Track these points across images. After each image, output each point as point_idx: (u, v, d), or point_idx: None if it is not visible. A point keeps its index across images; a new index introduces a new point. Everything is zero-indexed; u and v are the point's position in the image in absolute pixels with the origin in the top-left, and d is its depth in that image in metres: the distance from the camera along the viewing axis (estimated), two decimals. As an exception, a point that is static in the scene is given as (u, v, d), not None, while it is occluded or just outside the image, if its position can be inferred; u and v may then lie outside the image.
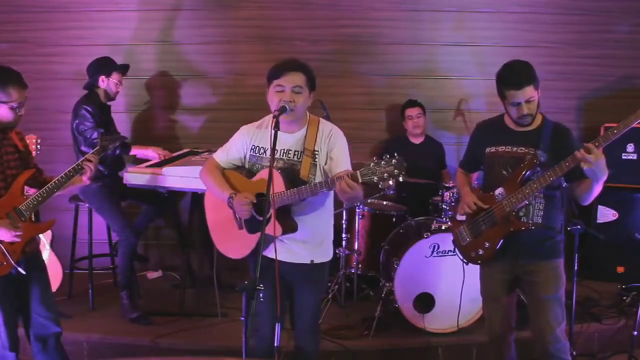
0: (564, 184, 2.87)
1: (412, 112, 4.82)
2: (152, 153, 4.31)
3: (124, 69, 4.25)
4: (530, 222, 2.84)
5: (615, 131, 2.58)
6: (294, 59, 2.69)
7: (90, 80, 4.12)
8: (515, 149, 2.87)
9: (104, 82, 4.11)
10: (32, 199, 2.83)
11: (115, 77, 4.15)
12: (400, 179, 2.32)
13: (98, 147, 3.08)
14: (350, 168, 2.62)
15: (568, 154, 2.67)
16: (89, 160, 2.94)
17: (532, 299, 2.92)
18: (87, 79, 4.15)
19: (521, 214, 2.84)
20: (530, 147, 2.82)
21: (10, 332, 2.78)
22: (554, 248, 2.89)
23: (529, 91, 2.75)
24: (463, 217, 3.04)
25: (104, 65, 4.14)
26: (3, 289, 2.76)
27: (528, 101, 2.76)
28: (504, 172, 2.87)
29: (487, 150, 2.96)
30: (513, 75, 2.77)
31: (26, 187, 2.92)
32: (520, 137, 2.87)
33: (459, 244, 3.10)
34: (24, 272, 2.79)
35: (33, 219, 2.93)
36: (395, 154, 2.35)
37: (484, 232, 2.93)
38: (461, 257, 3.11)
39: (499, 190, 2.86)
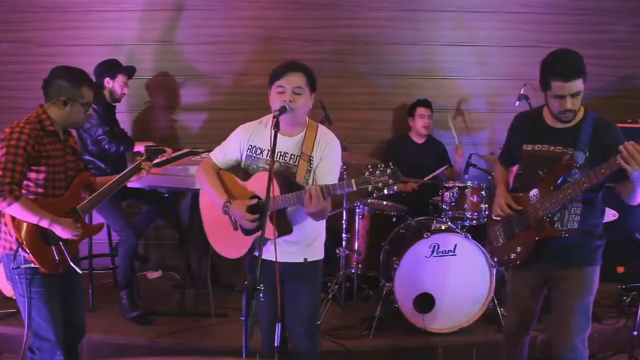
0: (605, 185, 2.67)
1: (424, 111, 4.82)
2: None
3: (129, 71, 4.28)
4: (564, 229, 2.67)
5: None
6: (294, 60, 2.70)
7: (96, 81, 4.14)
8: (552, 147, 2.69)
9: (109, 84, 4.16)
10: (89, 201, 2.88)
11: (120, 79, 4.19)
12: (395, 188, 2.33)
13: (144, 156, 3.19)
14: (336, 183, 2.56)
15: (609, 151, 2.45)
16: (142, 168, 3.09)
17: (556, 304, 2.78)
18: None
19: (555, 218, 2.68)
20: (569, 146, 2.64)
21: (58, 331, 2.78)
22: (588, 255, 2.71)
23: (578, 85, 2.55)
24: (499, 217, 2.90)
25: (109, 67, 4.18)
26: (51, 288, 2.76)
27: (573, 95, 2.57)
28: (540, 173, 2.71)
29: (524, 147, 2.80)
30: (563, 65, 2.55)
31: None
32: (559, 134, 2.68)
33: (491, 245, 2.97)
34: (79, 271, 2.83)
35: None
36: (391, 164, 2.36)
37: (517, 235, 2.80)
38: (492, 260, 3.03)
39: (533, 192, 2.72)
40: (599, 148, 2.59)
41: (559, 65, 2.57)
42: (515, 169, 3.00)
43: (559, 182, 2.63)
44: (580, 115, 2.68)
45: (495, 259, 2.97)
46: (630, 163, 2.32)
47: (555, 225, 2.68)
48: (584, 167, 2.59)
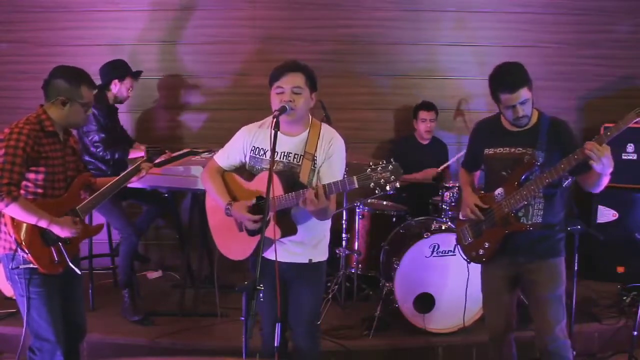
0: (565, 183, 2.87)
1: (426, 115, 4.82)
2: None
3: (136, 76, 4.28)
4: (529, 223, 2.84)
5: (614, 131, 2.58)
6: (293, 60, 2.69)
7: (102, 82, 4.13)
8: (513, 149, 2.86)
9: (116, 86, 4.14)
10: (88, 201, 2.88)
11: (127, 82, 4.19)
12: (397, 184, 2.36)
13: (145, 157, 3.21)
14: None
15: (566, 148, 2.69)
16: (142, 169, 3.11)
17: (531, 297, 2.93)
18: None
19: (520, 214, 2.85)
20: (528, 147, 2.82)
21: (58, 331, 2.77)
22: (553, 247, 2.89)
23: (523, 93, 2.73)
24: (466, 217, 3.05)
25: (118, 69, 4.17)
26: (51, 288, 2.75)
27: (522, 103, 2.74)
28: (504, 173, 2.88)
29: (486, 152, 2.97)
30: (506, 79, 2.75)
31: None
32: (518, 136, 2.86)
33: (461, 244, 3.12)
34: (79, 272, 2.83)
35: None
36: (392, 160, 2.37)
37: (484, 232, 2.95)
38: (464, 257, 3.12)
39: (498, 191, 2.89)
40: (556, 146, 2.78)
41: (503, 79, 2.77)
42: (478, 174, 3.24)
43: (522, 180, 2.81)
44: (534, 118, 2.87)
45: (466, 257, 3.11)
46: (595, 160, 2.54)
47: (521, 220, 2.85)
48: (544, 165, 2.77)
